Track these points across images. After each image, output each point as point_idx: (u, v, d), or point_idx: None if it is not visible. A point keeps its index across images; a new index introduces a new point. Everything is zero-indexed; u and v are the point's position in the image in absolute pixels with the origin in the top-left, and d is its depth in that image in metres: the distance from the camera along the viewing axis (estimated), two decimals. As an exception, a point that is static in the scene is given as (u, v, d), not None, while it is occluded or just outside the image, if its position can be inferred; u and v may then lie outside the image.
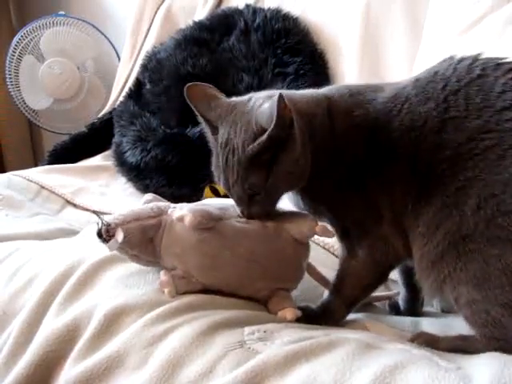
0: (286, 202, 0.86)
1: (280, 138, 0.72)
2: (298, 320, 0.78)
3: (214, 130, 0.79)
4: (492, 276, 0.65)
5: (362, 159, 0.77)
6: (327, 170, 0.79)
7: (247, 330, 0.70)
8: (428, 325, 0.85)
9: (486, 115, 0.69)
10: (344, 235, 0.82)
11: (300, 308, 0.80)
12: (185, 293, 0.78)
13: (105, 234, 0.77)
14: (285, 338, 0.68)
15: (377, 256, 0.79)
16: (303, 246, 0.85)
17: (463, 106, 0.71)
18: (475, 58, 0.74)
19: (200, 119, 0.81)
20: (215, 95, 0.81)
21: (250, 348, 0.66)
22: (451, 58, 0.76)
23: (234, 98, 0.81)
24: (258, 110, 0.75)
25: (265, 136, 0.71)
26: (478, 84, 0.71)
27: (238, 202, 0.79)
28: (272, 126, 0.70)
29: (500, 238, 0.65)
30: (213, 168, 0.81)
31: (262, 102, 0.76)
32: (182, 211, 0.79)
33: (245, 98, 0.80)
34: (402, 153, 0.74)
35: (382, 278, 0.83)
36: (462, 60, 0.75)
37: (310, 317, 0.80)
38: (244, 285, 0.81)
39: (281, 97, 0.69)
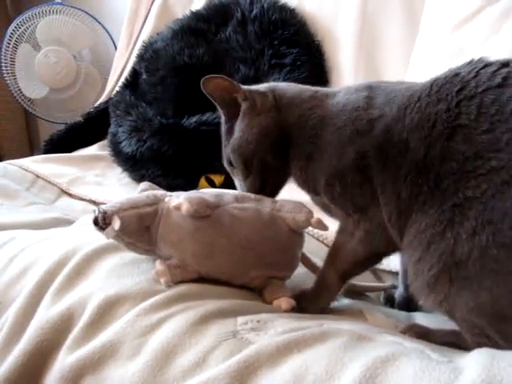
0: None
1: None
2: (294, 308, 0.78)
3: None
4: (484, 307, 0.63)
5: (369, 155, 0.76)
6: (331, 159, 0.79)
7: (240, 319, 0.70)
8: (422, 319, 0.85)
9: (497, 130, 0.64)
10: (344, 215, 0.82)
11: (296, 296, 0.81)
12: (180, 282, 0.78)
13: (101, 222, 0.76)
14: (278, 328, 0.68)
15: (373, 241, 0.78)
16: (298, 236, 0.86)
17: (474, 114, 0.65)
18: (501, 65, 0.68)
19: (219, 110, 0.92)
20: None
21: (242, 338, 0.66)
22: (479, 60, 0.71)
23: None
24: None
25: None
26: (496, 93, 0.65)
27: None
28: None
29: (493, 269, 0.62)
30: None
31: None
32: (178, 199, 0.79)
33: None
34: (411, 150, 0.71)
35: (375, 260, 0.83)
36: (487, 65, 0.69)
37: (307, 297, 0.81)
38: (239, 273, 0.81)
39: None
